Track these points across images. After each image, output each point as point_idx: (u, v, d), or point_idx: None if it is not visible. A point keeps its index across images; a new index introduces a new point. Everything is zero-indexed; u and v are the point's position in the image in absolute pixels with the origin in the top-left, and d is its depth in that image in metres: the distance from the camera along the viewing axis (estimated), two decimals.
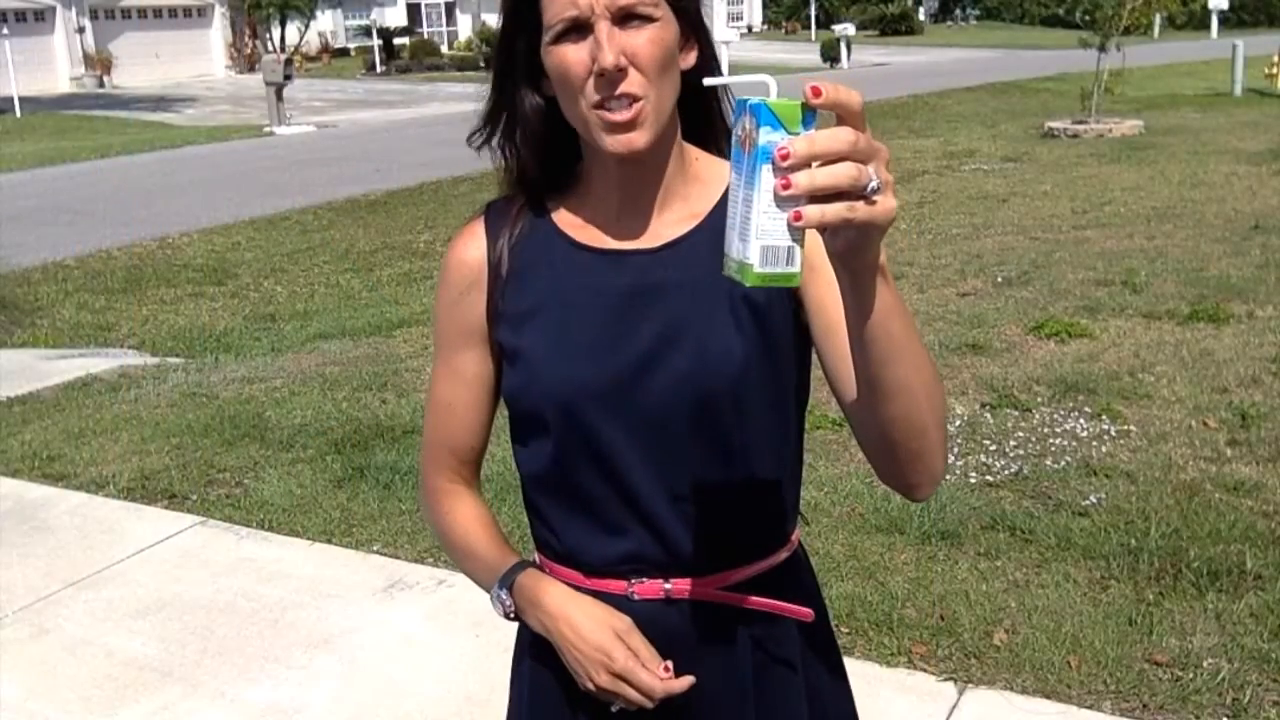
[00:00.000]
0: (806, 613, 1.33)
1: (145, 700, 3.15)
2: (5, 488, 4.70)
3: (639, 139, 1.17)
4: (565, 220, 1.31)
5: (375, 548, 3.97)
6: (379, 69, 37.80)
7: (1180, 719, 2.84)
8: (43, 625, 3.57)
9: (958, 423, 4.83)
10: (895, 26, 52.08)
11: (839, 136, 0.86)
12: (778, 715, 1.33)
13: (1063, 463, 4.36)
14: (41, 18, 32.27)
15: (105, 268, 10.08)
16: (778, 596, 1.32)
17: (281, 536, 4.10)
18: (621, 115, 1.16)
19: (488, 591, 1.37)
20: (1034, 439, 4.62)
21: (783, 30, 55.69)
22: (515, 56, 1.24)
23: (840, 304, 1.03)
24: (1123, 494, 4.04)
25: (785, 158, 0.85)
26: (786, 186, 0.85)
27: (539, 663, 1.38)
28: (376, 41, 38.69)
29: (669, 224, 1.27)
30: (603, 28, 1.15)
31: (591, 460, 1.27)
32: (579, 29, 1.16)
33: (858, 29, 41.10)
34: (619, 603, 1.29)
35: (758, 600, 1.30)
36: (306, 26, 40.53)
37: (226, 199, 13.53)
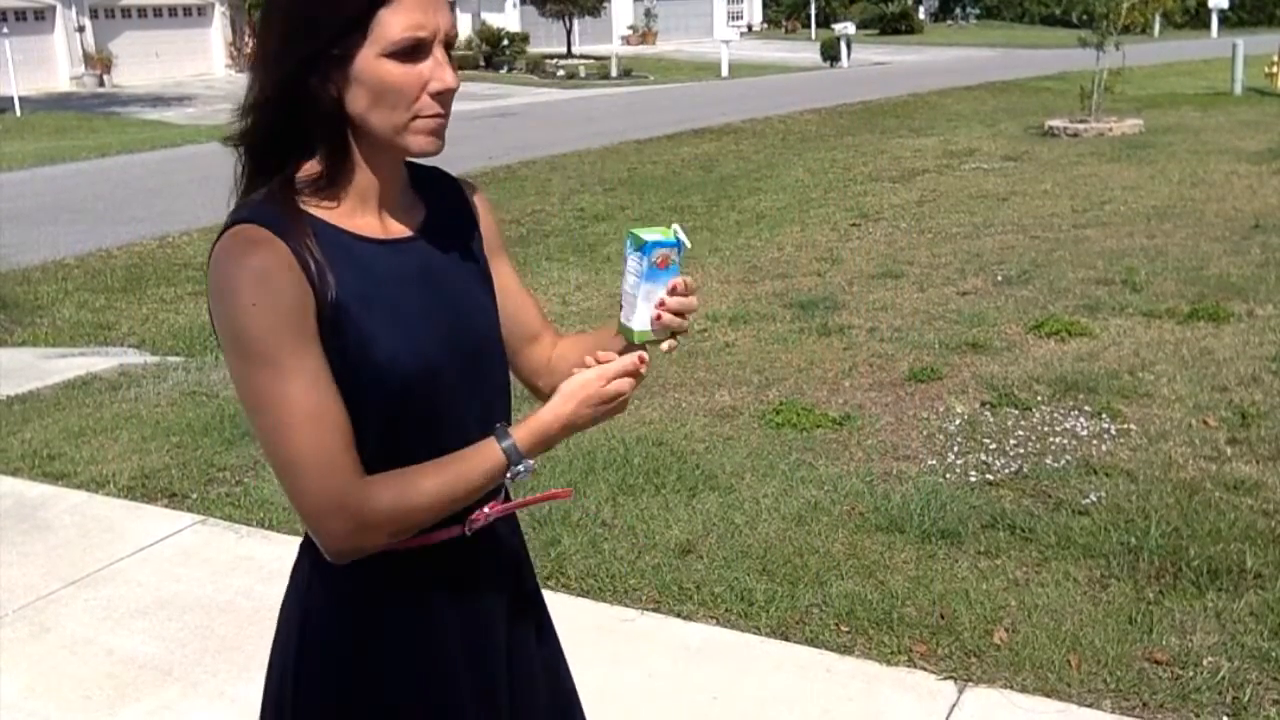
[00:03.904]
0: (567, 492, 1.65)
1: (145, 699, 3.15)
2: (5, 486, 4.70)
3: (442, 143, 1.41)
4: (337, 219, 1.41)
5: None
6: None
7: (1180, 717, 2.84)
8: (43, 624, 3.57)
9: (958, 421, 4.83)
10: (895, 25, 52.02)
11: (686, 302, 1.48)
12: (529, 582, 1.67)
13: (1063, 461, 4.36)
14: (41, 17, 32.25)
15: (105, 266, 10.07)
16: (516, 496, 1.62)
17: (282, 535, 4.09)
18: (440, 122, 1.38)
19: (491, 487, 1.44)
20: (1034, 438, 4.63)
21: (783, 29, 55.63)
22: (321, 56, 1.33)
23: (510, 294, 1.59)
24: (1123, 493, 4.04)
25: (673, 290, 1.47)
26: (661, 305, 1.46)
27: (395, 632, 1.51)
28: None
29: (411, 215, 1.49)
30: (440, 52, 1.35)
31: (441, 419, 1.43)
32: (419, 49, 1.33)
33: (858, 28, 41.07)
34: (458, 544, 1.48)
35: (531, 499, 1.62)
36: None
37: (226, 198, 13.51)
